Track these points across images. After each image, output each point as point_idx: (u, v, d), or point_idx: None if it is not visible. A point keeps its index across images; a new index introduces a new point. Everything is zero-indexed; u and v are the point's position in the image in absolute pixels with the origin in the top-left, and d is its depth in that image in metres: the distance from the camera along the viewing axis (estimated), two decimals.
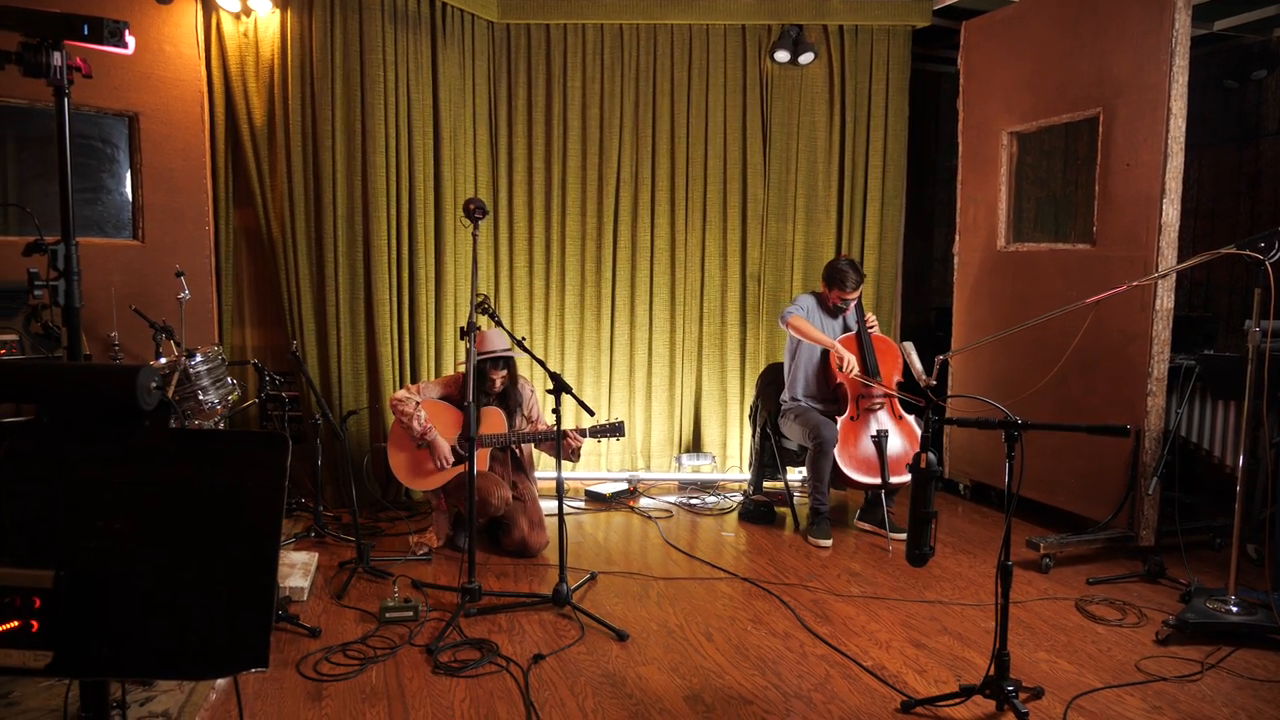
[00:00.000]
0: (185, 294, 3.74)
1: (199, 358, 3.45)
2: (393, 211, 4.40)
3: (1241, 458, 3.10)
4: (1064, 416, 3.96)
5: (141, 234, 3.97)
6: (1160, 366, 3.69)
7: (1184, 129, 3.58)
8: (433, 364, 4.63)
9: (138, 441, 1.43)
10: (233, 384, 3.69)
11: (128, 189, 3.98)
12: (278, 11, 4.17)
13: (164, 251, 4.00)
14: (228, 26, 4.16)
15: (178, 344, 3.58)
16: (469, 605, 3.18)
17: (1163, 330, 3.68)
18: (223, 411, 3.58)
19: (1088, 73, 3.95)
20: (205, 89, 4.10)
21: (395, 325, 4.47)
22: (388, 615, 3.13)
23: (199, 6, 4.05)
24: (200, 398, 3.40)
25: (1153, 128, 3.64)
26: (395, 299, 4.46)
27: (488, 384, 3.85)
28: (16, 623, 1.31)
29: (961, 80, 4.70)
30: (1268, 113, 5.11)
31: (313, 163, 4.28)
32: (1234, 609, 3.05)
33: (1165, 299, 3.67)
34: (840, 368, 4.14)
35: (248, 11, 4.14)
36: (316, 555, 3.64)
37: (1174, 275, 3.65)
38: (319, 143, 4.24)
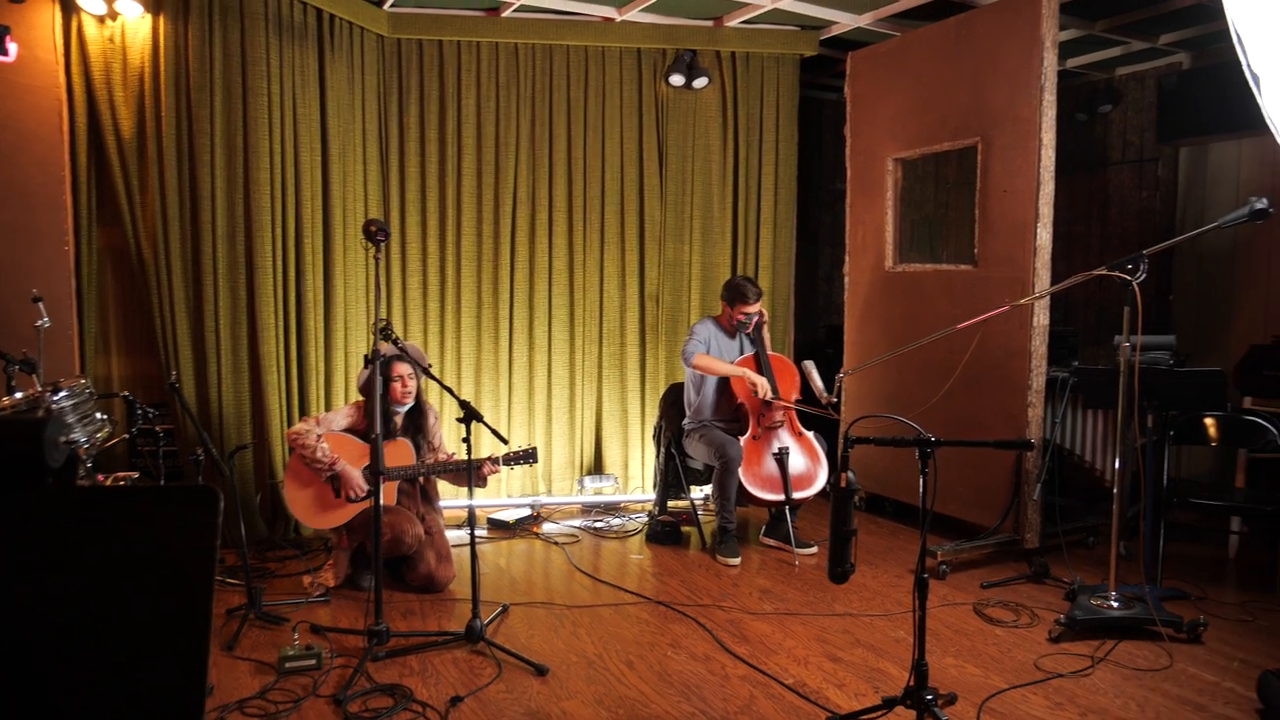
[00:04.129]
0: (45, 321, 3.40)
1: (64, 392, 3.14)
2: (278, 231, 4.16)
3: (1117, 461, 3.34)
4: (954, 430, 4.16)
5: None
6: (1039, 380, 3.94)
7: (1054, 158, 3.86)
8: (322, 391, 4.40)
9: (39, 504, 1.27)
10: (102, 420, 3.37)
11: None
12: (148, 16, 3.88)
13: (17, 274, 3.63)
14: (90, 30, 3.83)
15: (38, 378, 3.24)
16: (377, 648, 3.01)
17: (1040, 346, 3.93)
18: (90, 451, 3.26)
19: (967, 104, 4.19)
20: (65, 97, 3.76)
21: (282, 352, 4.22)
22: (287, 665, 2.93)
23: (57, 7, 3.71)
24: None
25: (1026, 157, 3.90)
26: (281, 324, 4.22)
27: (395, 386, 3.66)
28: None
29: (849, 108, 4.90)
30: (1113, 144, 5.58)
31: (189, 179, 4.00)
32: (1115, 604, 3.28)
33: (1041, 316, 3.92)
34: (756, 394, 4.19)
35: (114, 15, 3.83)
36: None
37: (1049, 295, 3.91)
38: (196, 158, 3.97)
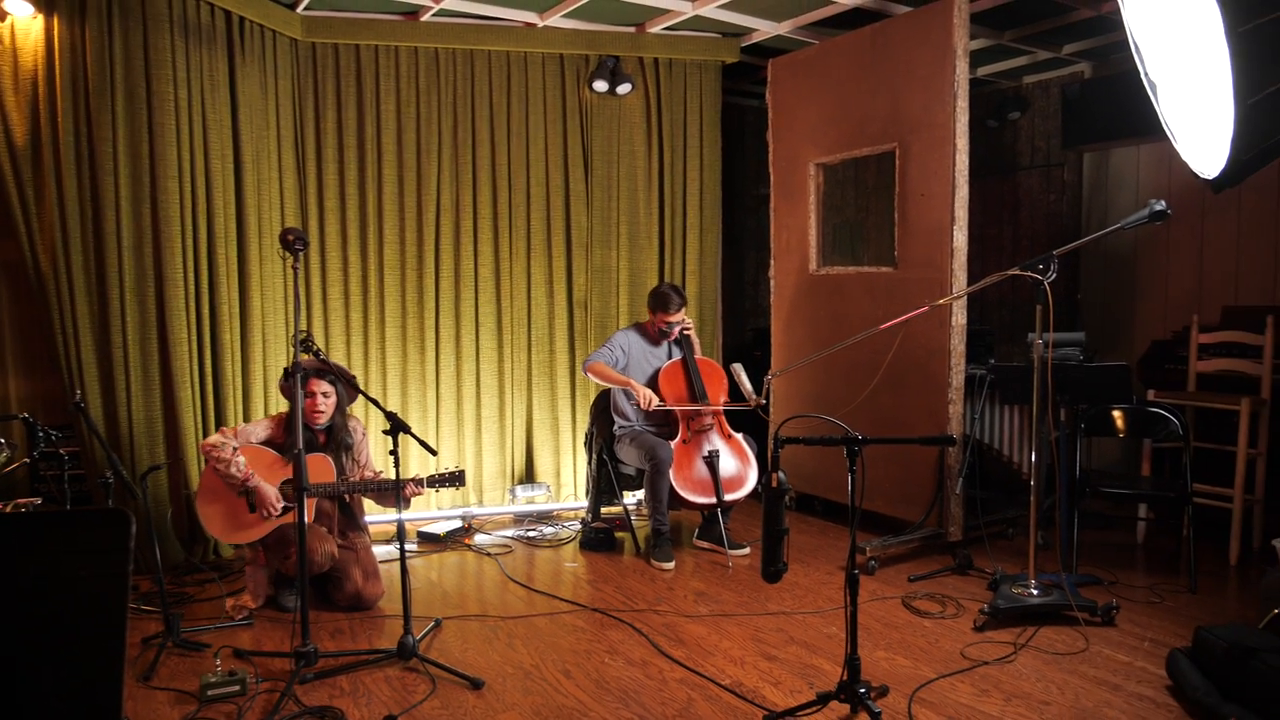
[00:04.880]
0: None
1: None
2: (189, 241, 4.00)
3: (1034, 454, 3.47)
4: (879, 428, 4.26)
5: None
6: (958, 377, 4.06)
7: (968, 163, 3.99)
8: (240, 407, 4.24)
9: None
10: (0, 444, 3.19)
11: None
12: (40, 17, 3.68)
13: None
14: None
15: None
16: (305, 671, 2.91)
17: (959, 344, 4.05)
18: None
19: (884, 110, 4.30)
20: None
21: (196, 367, 4.06)
22: (210, 693, 2.81)
23: None
24: None
25: (941, 162, 4.02)
26: (195, 338, 4.05)
27: (308, 402, 3.54)
28: None
29: (770, 114, 4.98)
30: (1022, 149, 5.81)
31: (90, 188, 3.81)
32: (1034, 591, 3.40)
33: (959, 316, 4.04)
34: (644, 405, 4.20)
35: (2, 15, 3.63)
36: None
37: (966, 295, 4.04)
38: (98, 166, 3.78)
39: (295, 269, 2.98)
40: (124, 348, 3.91)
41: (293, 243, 2.96)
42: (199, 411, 4.09)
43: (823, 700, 2.68)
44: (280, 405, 4.35)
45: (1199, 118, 2.80)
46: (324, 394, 3.57)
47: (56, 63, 3.71)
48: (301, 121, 4.55)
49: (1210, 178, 2.83)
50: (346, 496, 3.71)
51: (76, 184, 3.79)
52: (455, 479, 3.49)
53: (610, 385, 4.37)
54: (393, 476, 3.04)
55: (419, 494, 3.55)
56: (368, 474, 3.74)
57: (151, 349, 3.98)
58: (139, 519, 3.88)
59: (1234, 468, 3.97)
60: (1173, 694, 2.80)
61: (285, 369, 2.92)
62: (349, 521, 3.74)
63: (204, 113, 4.01)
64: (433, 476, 3.51)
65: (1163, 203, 3.04)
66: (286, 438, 3.56)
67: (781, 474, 2.62)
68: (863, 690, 2.63)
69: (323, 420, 3.60)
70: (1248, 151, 2.65)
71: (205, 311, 4.09)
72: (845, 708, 2.71)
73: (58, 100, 3.72)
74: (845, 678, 2.65)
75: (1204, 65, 2.65)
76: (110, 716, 1.19)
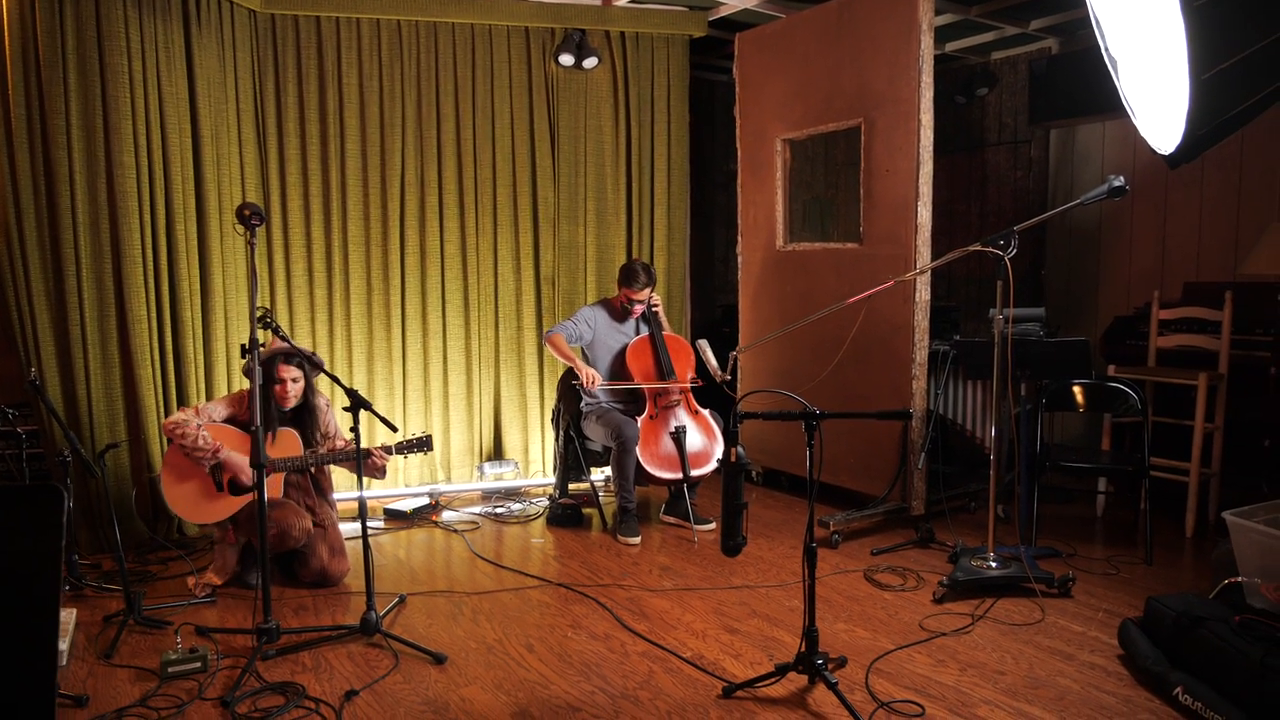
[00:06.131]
0: None
1: None
2: (147, 217, 3.94)
3: (994, 429, 3.51)
4: (843, 403, 4.29)
5: None
6: (922, 353, 4.09)
7: (932, 139, 3.99)
8: (202, 385, 4.20)
9: None
10: None
11: None
12: None
13: None
14: None
15: None
16: (266, 647, 2.91)
17: (922, 320, 4.07)
18: None
19: (850, 85, 4.29)
20: None
21: (156, 344, 4.01)
22: (170, 669, 2.80)
23: None
24: None
25: (906, 138, 4.02)
26: (155, 315, 4.00)
27: (277, 388, 3.53)
28: None
29: (737, 89, 4.95)
30: (989, 125, 5.83)
31: (43, 162, 3.73)
32: (993, 564, 3.45)
33: (923, 292, 4.07)
34: (587, 384, 4.20)
35: None
36: (74, 611, 3.19)
37: (929, 270, 4.06)
38: (50, 140, 3.71)
39: (252, 244, 2.94)
40: (81, 325, 3.85)
41: (249, 218, 2.92)
42: (160, 390, 4.04)
43: (781, 671, 2.71)
44: (242, 384, 4.31)
45: (1156, 93, 2.81)
46: (293, 380, 3.55)
47: (5, 34, 3.62)
48: (262, 95, 4.47)
49: (1167, 153, 2.85)
50: (314, 470, 3.70)
51: (29, 158, 3.71)
52: (423, 444, 3.48)
53: (561, 360, 4.36)
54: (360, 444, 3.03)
55: (386, 460, 3.55)
56: (338, 444, 3.72)
57: (110, 327, 3.92)
58: (99, 497, 3.85)
59: (1191, 442, 4.04)
60: (1124, 663, 2.86)
61: (242, 345, 2.89)
62: (316, 495, 3.73)
63: (160, 85, 3.93)
64: (400, 443, 3.51)
65: (1121, 179, 3.06)
66: (249, 415, 3.54)
67: (740, 449, 2.63)
68: (820, 661, 2.66)
69: (290, 404, 3.59)
70: (1202, 126, 2.67)
71: (165, 289, 4.03)
72: (803, 679, 2.75)
73: (7, 72, 3.64)
74: (803, 649, 2.68)
75: (1161, 41, 2.66)
76: (41, 690, 1.18)
